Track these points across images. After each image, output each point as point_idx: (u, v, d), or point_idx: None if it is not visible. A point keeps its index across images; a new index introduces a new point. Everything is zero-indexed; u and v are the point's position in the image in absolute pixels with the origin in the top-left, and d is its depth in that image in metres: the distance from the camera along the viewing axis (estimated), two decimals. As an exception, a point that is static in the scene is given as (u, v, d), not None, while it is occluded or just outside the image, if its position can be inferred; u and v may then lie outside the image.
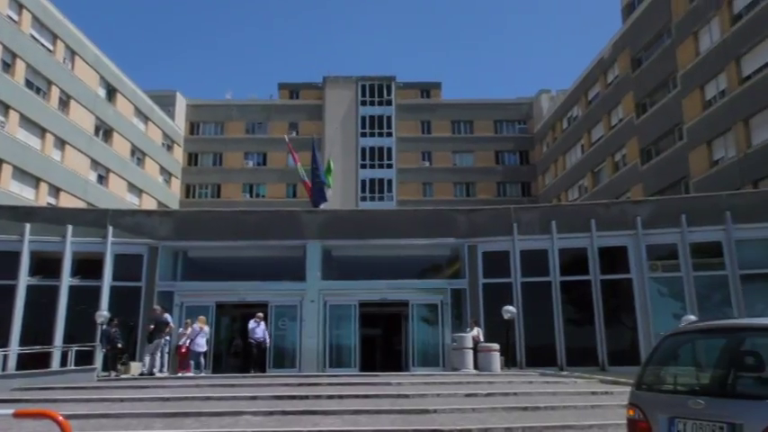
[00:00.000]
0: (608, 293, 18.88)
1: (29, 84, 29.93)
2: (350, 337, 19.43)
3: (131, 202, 39.39)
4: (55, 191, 31.64)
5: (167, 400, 11.56)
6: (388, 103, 51.38)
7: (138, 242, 19.44)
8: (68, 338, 18.02)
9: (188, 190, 49.75)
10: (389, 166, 50.00)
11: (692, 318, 14.18)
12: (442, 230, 19.82)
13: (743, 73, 25.61)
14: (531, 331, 18.62)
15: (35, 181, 30.20)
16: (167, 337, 16.89)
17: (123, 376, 16.13)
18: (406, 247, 19.89)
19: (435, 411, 10.40)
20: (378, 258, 20.36)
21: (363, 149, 50.29)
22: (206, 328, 17.65)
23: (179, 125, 49.34)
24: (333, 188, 26.13)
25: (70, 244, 19.08)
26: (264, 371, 17.88)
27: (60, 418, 4.22)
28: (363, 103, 51.43)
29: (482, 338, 17.38)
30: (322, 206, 23.11)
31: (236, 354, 19.97)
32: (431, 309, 19.78)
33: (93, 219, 19.98)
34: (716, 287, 18.34)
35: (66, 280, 18.92)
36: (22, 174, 29.19)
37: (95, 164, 35.83)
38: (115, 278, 19.19)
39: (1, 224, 18.87)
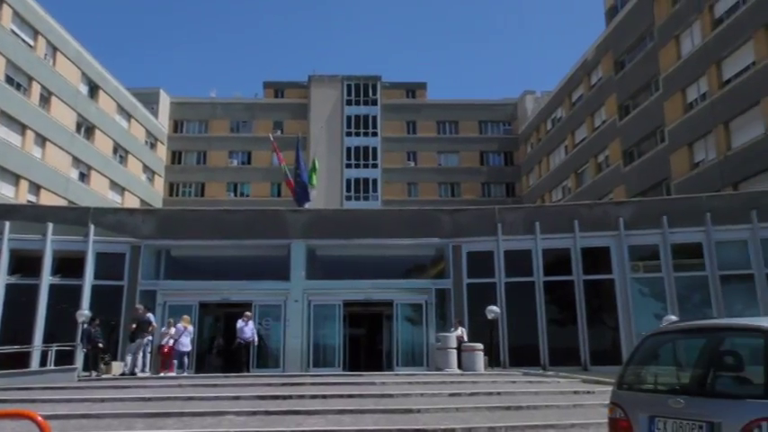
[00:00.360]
0: (590, 294, 19.06)
1: (9, 80, 29.47)
2: (334, 336, 19.40)
3: (114, 200, 38.98)
4: (35, 188, 31.22)
5: (149, 400, 11.46)
6: (374, 102, 51.37)
7: (120, 241, 19.25)
8: (49, 338, 17.77)
9: (171, 188, 49.34)
10: (375, 166, 50.00)
11: (673, 318, 14.37)
12: (427, 230, 19.87)
13: (723, 76, 25.98)
14: (515, 331, 18.73)
15: (15, 178, 29.75)
16: (150, 337, 16.75)
17: (104, 376, 15.96)
18: (391, 246, 19.91)
19: (419, 411, 10.43)
20: (362, 258, 20.35)
21: (348, 149, 50.24)
22: (190, 328, 17.53)
23: (162, 123, 48.91)
24: (318, 187, 26.05)
25: (51, 242, 18.84)
26: (248, 370, 17.79)
27: (39, 418, 4.16)
28: (349, 103, 51.37)
29: (466, 338, 17.45)
30: (306, 205, 23.05)
31: (218, 353, 19.87)
32: (415, 309, 19.82)
33: (74, 217, 19.74)
34: (696, 288, 18.59)
35: (47, 278, 18.68)
36: (1, 171, 28.73)
37: (77, 161, 35.40)
38: (97, 277, 18.98)
39: (-20, 222, 18.57)
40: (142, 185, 44.35)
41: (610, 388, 5.50)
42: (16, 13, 30.04)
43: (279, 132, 48.10)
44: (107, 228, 19.34)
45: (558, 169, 42.74)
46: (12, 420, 8.42)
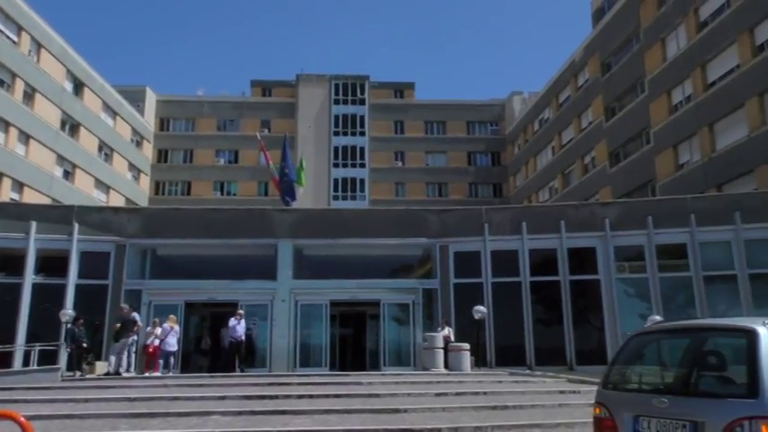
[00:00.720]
0: (576, 294, 19.20)
1: (-8, 76, 29.13)
2: (321, 336, 19.37)
3: (98, 198, 38.59)
4: (18, 186, 30.83)
5: (133, 400, 11.35)
6: (362, 102, 51.33)
7: (105, 239, 19.08)
8: (32, 337, 17.59)
9: (157, 187, 48.97)
10: (362, 166, 49.97)
11: (658, 318, 14.50)
12: (414, 230, 19.89)
13: (708, 79, 26.26)
14: (501, 331, 18.81)
15: (-2, 176, 29.40)
16: (135, 337, 16.62)
17: (88, 376, 15.81)
18: (378, 246, 19.91)
19: (406, 411, 10.43)
20: (350, 258, 20.33)
21: (336, 148, 50.16)
22: (176, 328, 17.44)
23: (149, 121, 48.52)
24: (305, 187, 25.98)
25: (34, 241, 18.63)
26: (234, 370, 17.71)
27: (22, 419, 4.12)
28: (337, 102, 51.29)
29: (453, 338, 17.49)
30: (293, 205, 22.96)
31: (204, 353, 19.75)
32: (402, 308, 19.84)
33: (58, 215, 19.54)
34: (680, 288, 18.78)
35: (30, 277, 18.48)
36: (-16, 168, 28.39)
37: (61, 159, 35.01)
38: (81, 276, 18.80)
39: (-39, 220, 18.34)
40: (128, 184, 43.97)
41: (595, 388, 5.53)
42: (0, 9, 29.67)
43: (266, 131, 47.89)
44: (92, 226, 19.16)
45: (544, 170, 42.97)
46: (-7, 421, 8.36)
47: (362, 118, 50.92)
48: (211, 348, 19.40)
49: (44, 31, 33.35)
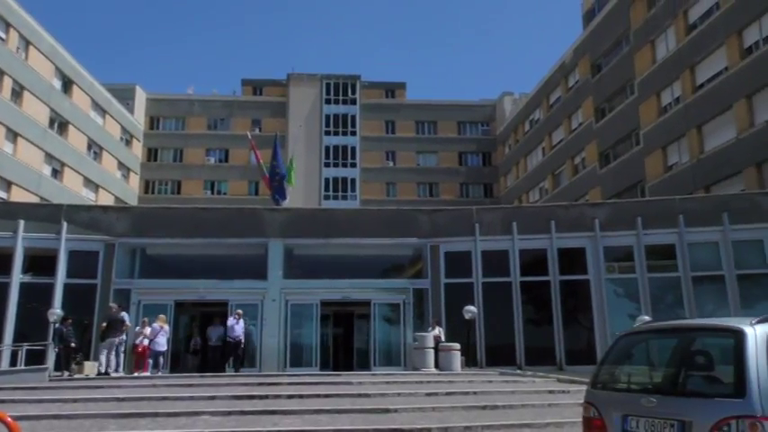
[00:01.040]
0: (566, 294, 19.27)
1: (-21, 73, 28.85)
2: (311, 336, 19.33)
3: (87, 197, 38.31)
4: (6, 184, 30.56)
5: (122, 400, 11.28)
6: (353, 101, 51.30)
7: (93, 238, 18.93)
8: (19, 337, 17.43)
9: (147, 186, 48.71)
10: (353, 165, 49.94)
11: (647, 318, 14.60)
12: (405, 230, 19.90)
13: (697, 81, 26.46)
14: (492, 331, 18.85)
15: (-15, 174, 29.14)
16: (123, 336, 16.51)
17: (76, 376, 15.69)
18: (369, 246, 19.90)
19: (396, 410, 10.44)
20: (340, 258, 20.31)
21: (327, 148, 50.09)
22: (166, 327, 17.35)
23: (138, 119, 48.24)
24: (296, 186, 25.92)
25: (22, 239, 18.46)
26: (224, 369, 17.64)
27: (9, 419, 4.08)
28: (328, 102, 51.22)
29: (443, 338, 17.52)
30: (283, 204, 22.90)
31: (194, 352, 19.68)
32: (393, 308, 19.84)
33: (46, 214, 19.37)
34: (669, 288, 18.91)
35: (17, 276, 18.30)
36: (-29, 166, 28.12)
37: (50, 157, 34.74)
38: (69, 275, 18.64)
39: (-52, 218, 18.14)
40: (117, 183, 43.69)
41: (584, 387, 5.56)
42: (-13, 6, 29.41)
43: (257, 130, 47.77)
44: (80, 225, 19.01)
45: (535, 170, 43.13)
46: (-20, 422, 8.28)
47: (353, 117, 50.90)
48: (201, 348, 19.33)
49: (33, 28, 33.07)
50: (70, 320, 16.47)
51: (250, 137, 29.50)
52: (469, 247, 19.53)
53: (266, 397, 11.65)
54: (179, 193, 48.43)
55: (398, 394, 11.88)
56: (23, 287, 18.36)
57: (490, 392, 12.42)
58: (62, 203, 22.34)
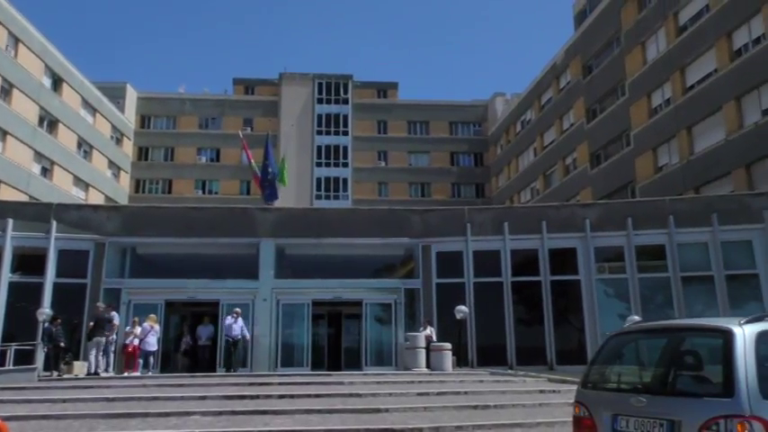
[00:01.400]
0: (557, 294, 19.35)
1: (-32, 70, 28.57)
2: (302, 336, 19.31)
3: (77, 196, 38.03)
4: (-5, 183, 30.31)
5: (112, 400, 11.23)
6: (345, 101, 51.25)
7: (83, 237, 18.81)
8: (8, 337, 17.28)
9: (138, 185, 48.45)
10: (345, 165, 49.89)
11: (637, 318, 14.67)
12: (397, 230, 19.91)
13: (687, 82, 26.64)
14: (483, 331, 18.90)
15: (-27, 172, 28.87)
16: (113, 336, 16.41)
17: (66, 376, 15.58)
18: (361, 246, 19.89)
19: (387, 410, 10.45)
20: (332, 257, 20.29)
21: (319, 147, 50.02)
22: (157, 327, 17.27)
23: (129, 118, 47.95)
24: (288, 186, 25.85)
25: (10, 238, 18.32)
26: (215, 369, 17.59)
27: (-3, 420, 4.05)
28: (320, 101, 51.13)
29: (435, 338, 17.54)
30: (274, 203, 22.83)
31: (185, 352, 19.59)
32: (384, 308, 19.84)
33: (35, 213, 19.23)
34: (659, 288, 19.03)
35: (6, 276, 18.16)
36: (-41, 164, 27.84)
37: (39, 156, 34.46)
38: (59, 275, 18.52)
39: (-65, 217, 17.96)
40: (107, 181, 43.42)
41: (575, 387, 5.59)
42: (-24, 2, 29.14)
43: (249, 130, 47.61)
44: (70, 224, 18.89)
45: (526, 171, 43.27)
46: (-32, 422, 8.20)
47: (345, 117, 50.85)
48: (191, 348, 19.25)
49: (22, 25, 32.80)
50: (59, 320, 16.34)
51: (242, 136, 29.44)
52: (461, 248, 19.57)
53: (257, 397, 11.63)
54: (170, 192, 48.19)
55: (390, 394, 11.89)
56: (12, 286, 18.22)
57: (481, 392, 12.46)
58: (52, 202, 22.17)
